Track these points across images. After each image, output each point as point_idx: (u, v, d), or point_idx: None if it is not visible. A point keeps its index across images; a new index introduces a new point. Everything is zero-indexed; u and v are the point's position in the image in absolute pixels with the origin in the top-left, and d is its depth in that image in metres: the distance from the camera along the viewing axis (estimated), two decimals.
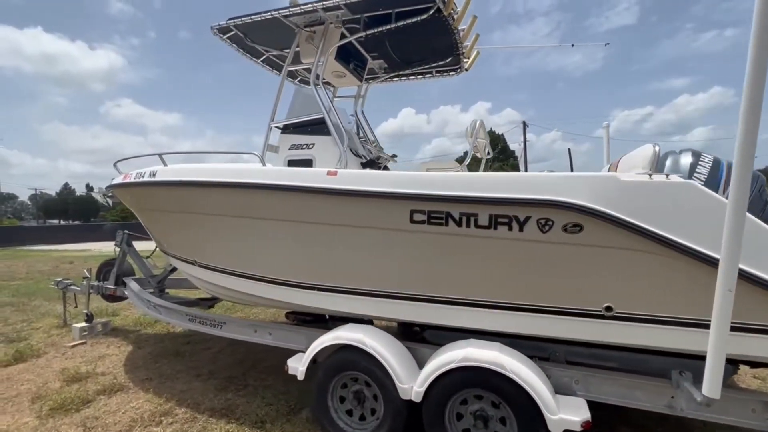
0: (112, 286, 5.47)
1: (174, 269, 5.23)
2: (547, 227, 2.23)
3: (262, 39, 4.04)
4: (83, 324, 5.46)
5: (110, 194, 5.50)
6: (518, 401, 2.23)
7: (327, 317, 3.85)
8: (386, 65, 4.67)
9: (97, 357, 4.62)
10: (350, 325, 2.79)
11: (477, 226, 2.34)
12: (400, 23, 3.14)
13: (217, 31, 3.68)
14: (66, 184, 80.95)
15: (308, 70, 3.73)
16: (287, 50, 4.04)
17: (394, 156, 4.10)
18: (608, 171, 2.86)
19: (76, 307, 6.16)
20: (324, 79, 4.75)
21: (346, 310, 2.88)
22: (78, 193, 76.86)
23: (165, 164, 3.50)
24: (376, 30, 3.32)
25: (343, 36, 3.56)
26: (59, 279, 6.04)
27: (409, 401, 2.41)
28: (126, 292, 5.15)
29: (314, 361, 2.72)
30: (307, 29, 3.59)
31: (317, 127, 3.88)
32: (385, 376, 2.47)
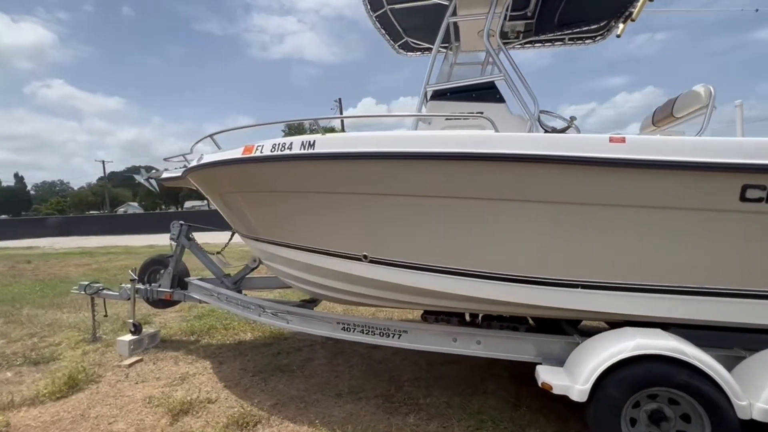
0: (167, 289, 4.46)
1: (254, 268, 4.33)
2: None
3: None
4: (131, 337, 4.40)
5: (161, 176, 4.51)
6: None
7: (467, 316, 3.29)
8: (520, 29, 4.10)
9: (178, 378, 3.68)
10: (648, 330, 2.23)
11: None
12: None
13: None
14: None
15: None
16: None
17: (573, 118, 3.56)
18: None
19: (106, 315, 5.02)
20: (456, 42, 4.11)
21: (625, 312, 2.31)
22: (5, 184, 67.77)
23: (322, 132, 2.70)
24: None
25: None
26: (86, 282, 4.86)
27: (748, 421, 1.94)
28: (197, 296, 4.19)
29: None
30: None
31: (485, 92, 3.26)
32: (715, 392, 1.97)
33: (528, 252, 2.36)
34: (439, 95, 3.30)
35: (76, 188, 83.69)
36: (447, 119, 3.21)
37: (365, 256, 2.76)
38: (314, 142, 2.65)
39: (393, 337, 2.81)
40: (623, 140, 2.11)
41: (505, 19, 3.53)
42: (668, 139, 2.12)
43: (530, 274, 2.36)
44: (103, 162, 54.71)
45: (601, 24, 3.88)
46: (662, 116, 3.33)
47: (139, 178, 4.59)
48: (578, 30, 3.98)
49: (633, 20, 3.74)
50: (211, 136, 3.34)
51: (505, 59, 3.20)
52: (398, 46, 4.53)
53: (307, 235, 3.05)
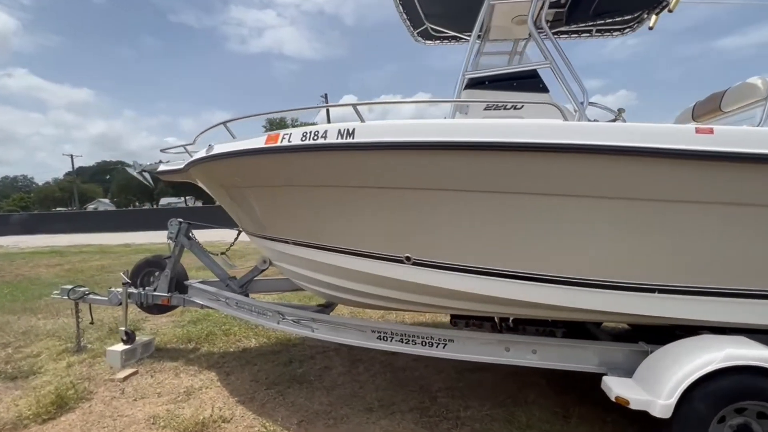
0: (165, 294, 4.05)
1: (263, 270, 3.99)
2: None
3: None
4: (123, 347, 3.98)
5: (157, 169, 4.11)
6: None
7: (498, 321, 3.10)
8: (549, 17, 3.90)
9: (183, 393, 3.31)
10: (731, 338, 2.05)
11: None
12: None
13: None
14: None
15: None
16: None
17: (622, 110, 3.37)
18: None
19: (93, 322, 4.55)
20: (491, 24, 3.87)
21: (709, 318, 2.13)
22: None
23: (362, 119, 2.40)
24: None
25: None
26: (69, 286, 4.37)
27: None
28: (200, 300, 3.81)
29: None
30: None
31: (528, 81, 3.04)
32: None
33: (600, 253, 2.14)
34: (477, 83, 3.05)
35: (40, 183, 79.31)
36: (485, 109, 2.98)
37: (408, 258, 2.49)
38: (353, 130, 2.35)
39: (437, 346, 2.55)
40: (711, 131, 1.93)
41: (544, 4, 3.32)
42: (761, 130, 1.95)
43: (602, 278, 2.15)
44: (72, 156, 51.95)
45: (635, 15, 3.73)
46: (705, 111, 3.20)
47: (132, 171, 4.15)
48: (610, 21, 3.82)
49: (671, 11, 3.60)
50: (224, 123, 2.99)
51: (553, 45, 2.98)
52: (417, 33, 4.27)
53: (337, 234, 2.75)
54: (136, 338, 4.13)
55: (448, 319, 3.46)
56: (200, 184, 4.04)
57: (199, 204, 50.61)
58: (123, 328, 4.03)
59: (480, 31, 4.04)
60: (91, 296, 4.33)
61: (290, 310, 3.08)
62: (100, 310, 5.33)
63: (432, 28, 4.21)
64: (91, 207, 54.13)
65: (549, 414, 2.78)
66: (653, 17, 3.78)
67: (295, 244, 3.12)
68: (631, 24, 3.92)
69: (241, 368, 3.80)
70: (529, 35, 3.84)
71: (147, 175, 4.19)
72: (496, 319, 3.27)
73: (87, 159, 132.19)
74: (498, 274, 2.26)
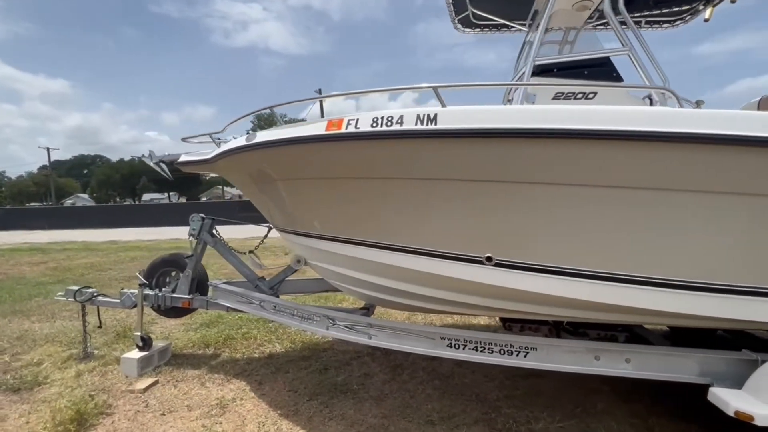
0: (185, 296, 3.72)
1: (296, 270, 3.69)
2: None
3: None
4: (139, 354, 3.63)
5: (170, 160, 3.78)
6: None
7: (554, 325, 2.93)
8: (600, 8, 3.72)
9: (216, 405, 3.00)
10: None
11: None
12: None
13: None
14: None
15: None
16: None
17: (701, 102, 3.21)
18: None
19: (101, 326, 4.17)
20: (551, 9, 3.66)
21: None
22: None
23: (443, 104, 2.15)
24: None
25: None
26: (75, 287, 3.98)
27: None
28: (227, 303, 3.50)
29: None
30: None
31: (600, 69, 2.85)
32: None
33: (722, 254, 1.95)
34: (545, 71, 2.85)
35: (13, 177, 75.83)
36: (554, 98, 2.77)
37: (489, 258, 2.25)
38: (435, 115, 2.10)
39: (517, 355, 2.33)
40: None
41: None
42: None
43: (726, 282, 1.96)
44: (48, 149, 49.73)
45: (693, 5, 3.58)
46: None
47: (149, 162, 3.79)
48: (666, 11, 3.67)
49: (733, 1, 3.47)
50: (271, 108, 2.69)
51: (633, 31, 2.79)
52: (458, 19, 4.04)
53: (403, 232, 2.50)
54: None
55: (478, 320, 3.26)
56: (227, 177, 3.72)
57: (183, 200, 49.32)
58: (139, 333, 3.68)
59: (523, 21, 3.86)
60: (100, 298, 3.96)
61: (343, 315, 2.81)
62: (102, 311, 4.94)
63: (475, 14, 3.98)
64: (68, 202, 52.02)
65: (627, 426, 2.59)
66: (709, 9, 3.65)
67: (344, 242, 2.85)
68: (684, 16, 3.78)
69: (272, 376, 3.50)
70: (601, 22, 3.67)
71: (164, 165, 3.84)
72: (551, 323, 3.09)
73: (63, 152, 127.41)
74: (602, 277, 2.05)
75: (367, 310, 3.34)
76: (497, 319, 3.63)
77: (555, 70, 2.86)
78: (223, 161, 3.23)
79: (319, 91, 24.09)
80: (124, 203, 47.59)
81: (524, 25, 3.89)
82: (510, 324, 3.18)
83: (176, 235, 18.76)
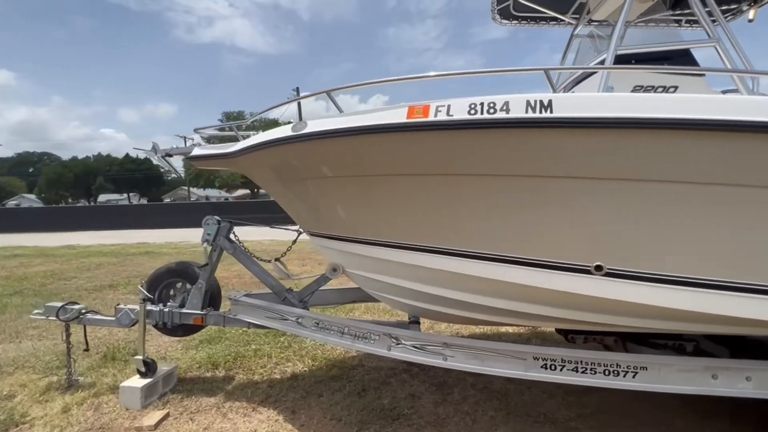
0: (198, 311, 3.21)
1: (330, 280, 3.26)
2: None
3: None
4: (142, 381, 3.07)
5: (181, 154, 3.29)
6: None
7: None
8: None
9: None
10: None
11: None
12: None
13: None
14: None
15: None
16: None
17: None
18: None
19: (87, 349, 3.54)
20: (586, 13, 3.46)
21: None
22: None
23: (553, 88, 1.85)
24: None
25: None
26: (57, 303, 3.34)
27: None
28: (252, 320, 3.02)
29: None
30: None
31: (680, 61, 2.67)
32: None
33: None
34: (623, 61, 2.64)
35: None
36: (633, 90, 2.56)
37: (599, 267, 1.97)
38: (550, 102, 1.80)
39: (624, 375, 2.06)
40: None
41: None
42: None
43: None
44: None
45: (740, 3, 3.51)
46: None
47: (152, 155, 3.25)
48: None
49: (751, 20, 3.45)
50: (328, 92, 2.29)
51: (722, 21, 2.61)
52: (498, 9, 3.81)
53: (488, 237, 2.17)
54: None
55: (506, 329, 3.00)
56: (249, 173, 3.24)
57: (144, 201, 46.36)
58: (140, 357, 3.13)
59: (577, 14, 3.67)
60: (89, 316, 3.35)
61: (407, 333, 2.44)
62: (79, 329, 4.25)
63: (516, 4, 3.75)
64: (12, 203, 47.56)
65: None
66: (753, 9, 3.60)
67: (401, 248, 2.49)
68: (726, 17, 3.72)
69: (304, 402, 3.06)
70: (648, 18, 3.51)
71: (171, 160, 3.31)
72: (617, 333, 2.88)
73: (5, 149, 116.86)
74: (748, 289, 1.82)
75: (418, 323, 2.99)
76: (528, 328, 3.38)
77: (633, 61, 2.66)
78: (251, 155, 2.77)
79: (297, 90, 23.31)
80: (78, 204, 43.98)
81: (565, 17, 3.72)
82: (573, 336, 2.94)
83: (143, 239, 17.46)
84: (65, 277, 8.69)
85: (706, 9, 2.55)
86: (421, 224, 2.33)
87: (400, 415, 2.82)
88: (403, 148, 2.09)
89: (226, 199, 49.83)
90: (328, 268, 3.11)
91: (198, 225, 3.33)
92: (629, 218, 1.90)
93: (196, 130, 3.19)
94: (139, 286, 3.28)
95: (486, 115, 1.85)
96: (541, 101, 1.80)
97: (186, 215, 23.08)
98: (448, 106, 1.93)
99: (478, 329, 4.54)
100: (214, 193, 52.40)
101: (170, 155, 3.26)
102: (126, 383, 3.06)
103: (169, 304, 3.31)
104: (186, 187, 46.86)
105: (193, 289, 3.23)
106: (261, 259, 3.33)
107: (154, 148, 3.26)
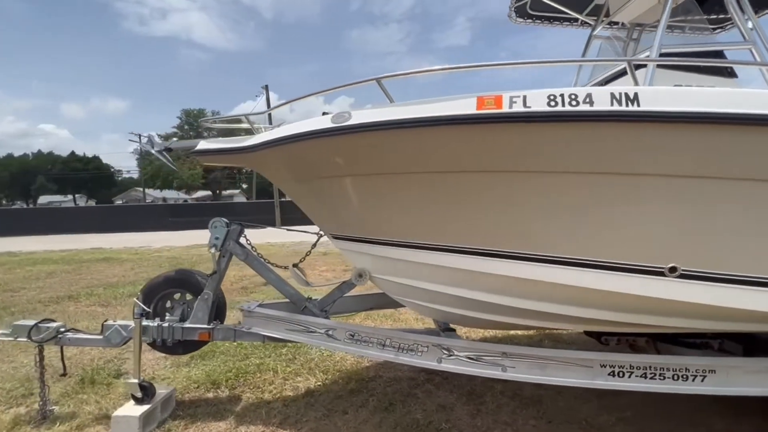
0: (204, 326, 2.85)
1: (354, 286, 3.00)
2: None
3: None
4: (139, 408, 2.67)
5: (184, 147, 2.96)
6: None
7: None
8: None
9: None
10: None
11: None
12: None
13: None
14: None
15: None
16: None
17: None
18: None
19: (65, 374, 3.05)
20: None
21: None
22: None
23: (635, 81, 1.74)
24: None
25: None
26: (29, 322, 2.84)
27: None
28: (271, 333, 2.71)
29: None
30: None
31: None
32: None
33: None
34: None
35: None
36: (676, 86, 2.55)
37: (673, 269, 1.89)
38: (636, 95, 1.69)
39: (693, 380, 1.99)
40: None
41: None
42: None
43: None
44: None
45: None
46: None
47: (149, 149, 2.85)
48: (713, 17, 3.70)
49: None
50: (378, 79, 2.06)
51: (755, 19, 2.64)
52: (515, 7, 3.73)
53: (551, 238, 2.03)
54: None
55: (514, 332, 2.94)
56: (265, 170, 2.92)
57: (92, 203, 42.79)
58: (136, 380, 2.72)
59: (595, 16, 3.66)
60: (70, 335, 2.88)
61: (460, 343, 2.25)
62: (47, 350, 3.68)
63: (534, 3, 3.69)
64: None
65: None
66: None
67: (450, 251, 2.31)
68: (725, 25, 3.86)
69: (328, 421, 2.79)
70: (720, 18, 3.52)
71: (166, 154, 2.93)
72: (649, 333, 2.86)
73: None
74: None
75: (453, 331, 2.81)
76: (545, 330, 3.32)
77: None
78: (273, 150, 2.48)
79: (266, 88, 22.41)
80: (14, 206, 39.68)
81: (580, 16, 3.71)
82: (607, 338, 2.89)
83: (97, 244, 16.04)
84: (11, 288, 7.72)
85: (742, 13, 2.58)
86: (477, 225, 2.16)
87: (438, 430, 2.63)
88: (469, 143, 1.91)
89: (185, 200, 47.26)
90: (353, 274, 2.86)
91: (157, 229, 2.98)
92: (707, 218, 1.83)
93: (202, 121, 2.84)
94: (135, 299, 2.85)
95: (568, 107, 1.71)
96: (626, 93, 1.69)
97: (142, 218, 21.52)
98: (524, 97, 1.78)
99: (485, 332, 4.44)
100: (172, 195, 49.52)
101: (170, 149, 2.88)
102: (119, 412, 2.65)
103: (168, 318, 2.92)
104: (140, 188, 43.78)
105: (199, 300, 2.86)
106: (277, 266, 3.01)
107: (151, 141, 2.87)
